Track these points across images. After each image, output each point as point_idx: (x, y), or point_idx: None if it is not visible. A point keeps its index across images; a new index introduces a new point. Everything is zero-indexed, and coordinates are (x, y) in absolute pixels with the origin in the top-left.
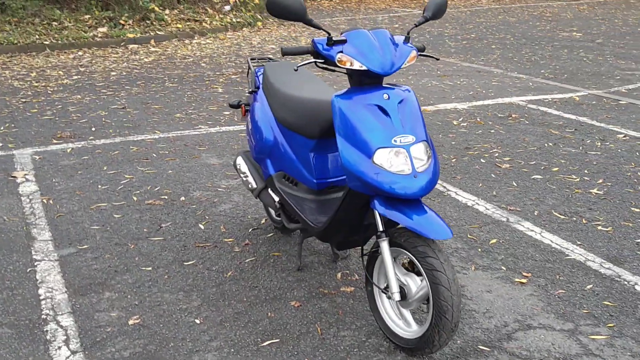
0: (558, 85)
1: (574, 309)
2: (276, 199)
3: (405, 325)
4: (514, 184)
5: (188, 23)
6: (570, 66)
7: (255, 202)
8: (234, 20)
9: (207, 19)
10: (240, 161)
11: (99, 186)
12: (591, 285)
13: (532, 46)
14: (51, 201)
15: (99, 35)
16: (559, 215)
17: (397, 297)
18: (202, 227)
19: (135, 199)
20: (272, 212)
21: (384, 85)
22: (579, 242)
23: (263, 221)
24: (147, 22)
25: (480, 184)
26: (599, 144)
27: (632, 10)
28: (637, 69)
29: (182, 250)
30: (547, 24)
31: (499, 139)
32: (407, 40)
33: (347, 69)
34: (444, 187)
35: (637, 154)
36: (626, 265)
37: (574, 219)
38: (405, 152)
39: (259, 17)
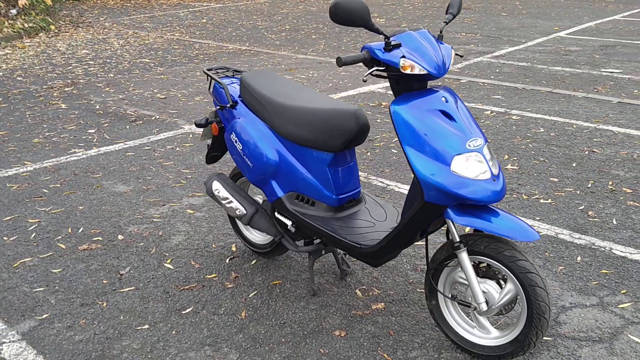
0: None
1: (585, 283)
2: (288, 222)
3: (483, 332)
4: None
5: None
6: None
7: (211, 228)
8: (25, 25)
9: None
10: (218, 186)
11: (5, 238)
12: (580, 257)
13: (349, 34)
14: None
15: None
16: None
17: (484, 307)
18: (169, 266)
19: (63, 246)
20: (255, 235)
21: (429, 87)
22: (538, 218)
23: (233, 248)
24: None
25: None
26: (480, 122)
27: None
28: (457, 49)
29: (168, 297)
30: None
31: (391, 127)
32: (440, 39)
33: (405, 74)
34: (383, 182)
35: (514, 127)
36: (591, 233)
37: (515, 195)
38: (481, 155)
39: (50, 20)
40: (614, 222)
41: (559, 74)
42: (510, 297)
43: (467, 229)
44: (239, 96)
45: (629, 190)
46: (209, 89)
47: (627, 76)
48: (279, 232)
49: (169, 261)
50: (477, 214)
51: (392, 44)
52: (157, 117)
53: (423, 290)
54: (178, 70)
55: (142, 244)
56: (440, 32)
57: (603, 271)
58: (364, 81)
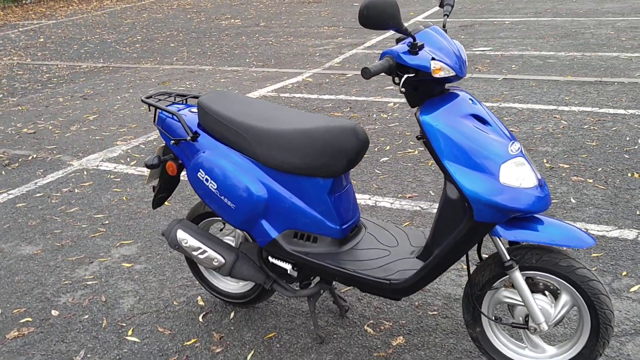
0: (279, 71)
1: None
2: (287, 266)
3: (537, 351)
4: (380, 170)
5: None
6: (266, 51)
7: (162, 282)
8: None
9: None
10: (184, 235)
11: None
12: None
13: (209, 38)
14: None
15: None
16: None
17: (545, 327)
18: (134, 339)
19: None
20: (228, 283)
21: (447, 87)
22: None
23: (200, 301)
24: None
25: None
26: (385, 115)
27: None
28: (322, 44)
29: None
30: (198, 15)
31: None
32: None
33: (434, 79)
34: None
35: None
36: (558, 216)
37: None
38: (524, 159)
39: None
40: (573, 200)
41: None
42: (567, 309)
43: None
44: (198, 125)
45: (566, 166)
46: (154, 120)
47: (498, 53)
48: (268, 278)
49: (130, 333)
50: (525, 225)
51: (418, 45)
52: (35, 156)
53: (435, 313)
54: (35, 98)
55: (86, 316)
56: (444, 26)
57: (594, 255)
58: (402, 92)
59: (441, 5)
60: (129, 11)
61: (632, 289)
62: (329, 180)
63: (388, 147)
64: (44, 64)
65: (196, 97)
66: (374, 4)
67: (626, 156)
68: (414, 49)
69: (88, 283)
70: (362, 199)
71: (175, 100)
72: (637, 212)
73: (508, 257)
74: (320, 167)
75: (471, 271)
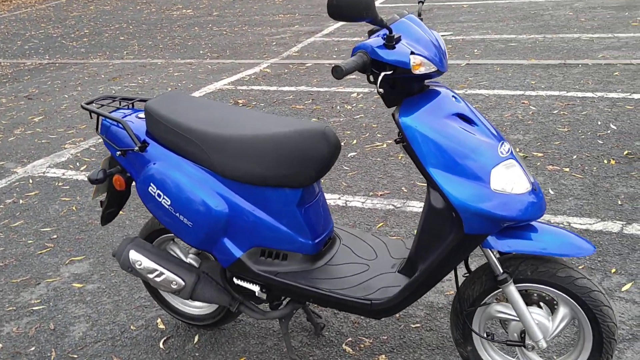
0: (235, 62)
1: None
2: (255, 288)
3: None
4: (348, 167)
5: None
6: (220, 42)
7: (117, 303)
8: None
9: None
10: (138, 257)
11: None
12: None
13: (160, 30)
14: None
15: None
16: (404, 186)
17: (543, 344)
18: None
19: None
20: (190, 306)
21: (426, 83)
22: None
23: (160, 324)
24: None
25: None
26: (349, 107)
27: None
28: (278, 32)
29: None
30: (148, 6)
31: None
32: None
33: (415, 75)
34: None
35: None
36: None
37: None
38: (515, 162)
39: None
40: (551, 192)
41: None
42: (566, 323)
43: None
44: (147, 133)
45: (540, 154)
46: (97, 129)
47: (459, 37)
48: (234, 300)
49: None
50: (518, 234)
51: (394, 37)
52: None
53: (417, 326)
54: None
55: (33, 348)
56: (419, 14)
57: None
58: (381, 93)
59: None
60: (75, 4)
61: (624, 288)
62: (298, 190)
63: (355, 141)
64: None
65: (144, 101)
66: None
67: (600, 142)
68: (391, 43)
69: (35, 308)
70: (331, 199)
71: (120, 105)
72: (619, 202)
73: (501, 270)
74: (286, 177)
75: (459, 284)
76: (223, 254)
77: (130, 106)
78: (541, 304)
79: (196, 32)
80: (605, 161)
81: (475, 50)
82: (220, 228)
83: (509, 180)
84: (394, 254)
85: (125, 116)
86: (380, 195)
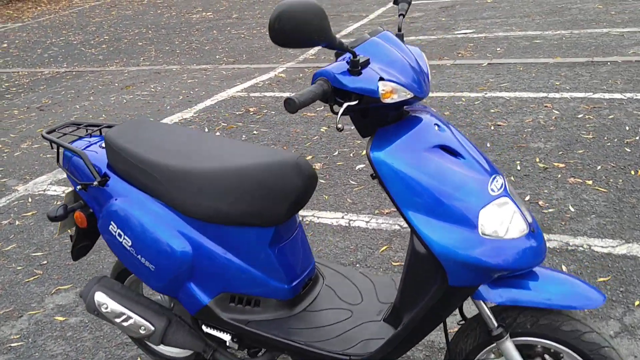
0: (250, 67)
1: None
2: (225, 337)
3: None
4: (355, 181)
5: None
6: (237, 46)
7: (97, 340)
8: None
9: None
10: (104, 299)
11: None
12: (564, 267)
13: (179, 34)
14: None
15: None
16: None
17: None
18: None
19: None
20: (168, 347)
21: (405, 109)
22: None
23: None
24: None
25: (348, 198)
26: None
27: None
28: None
29: None
30: (168, 9)
31: (275, 138)
32: (402, 39)
33: (385, 104)
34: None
35: None
36: (556, 229)
37: None
38: (509, 199)
39: None
40: (572, 208)
41: (415, 44)
42: None
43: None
44: (108, 165)
45: (561, 165)
46: (57, 160)
47: (481, 35)
48: (209, 347)
49: None
50: (516, 283)
51: (360, 61)
52: None
53: None
54: None
55: None
56: (399, 29)
57: (600, 280)
58: (340, 130)
59: (396, 3)
60: (98, 9)
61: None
62: (269, 229)
63: (364, 152)
64: (4, 72)
65: (109, 127)
66: (291, 14)
67: (627, 150)
68: (356, 68)
69: (13, 345)
70: (334, 218)
71: (87, 132)
72: None
73: (496, 324)
74: (255, 215)
75: (451, 337)
76: (189, 300)
77: (99, 133)
78: (546, 356)
79: (214, 35)
80: (632, 172)
81: (498, 49)
82: (184, 272)
83: (501, 222)
84: (381, 297)
85: (89, 146)
86: (387, 213)
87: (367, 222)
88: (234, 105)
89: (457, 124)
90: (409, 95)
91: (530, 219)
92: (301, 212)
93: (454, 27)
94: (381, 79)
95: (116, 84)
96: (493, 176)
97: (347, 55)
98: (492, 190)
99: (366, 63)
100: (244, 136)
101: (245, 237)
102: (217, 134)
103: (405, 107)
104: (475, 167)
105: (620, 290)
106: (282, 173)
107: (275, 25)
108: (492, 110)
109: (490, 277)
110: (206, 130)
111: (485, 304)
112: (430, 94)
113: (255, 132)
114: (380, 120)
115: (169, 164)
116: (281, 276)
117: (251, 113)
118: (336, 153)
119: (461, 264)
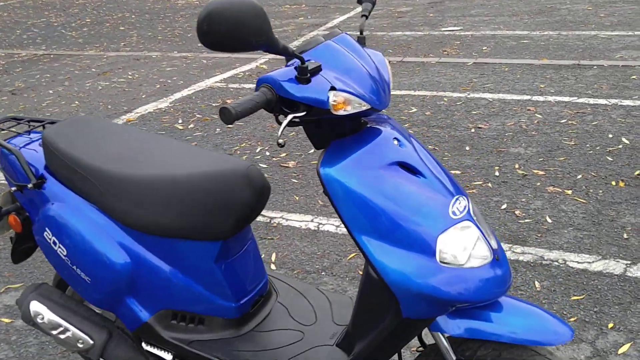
0: (231, 57)
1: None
2: (167, 357)
3: None
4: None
5: None
6: None
7: (43, 347)
8: None
9: None
10: (40, 308)
11: None
12: (537, 283)
13: (163, 20)
14: None
15: None
16: None
17: None
18: None
19: None
20: None
21: (363, 120)
22: None
23: None
24: None
25: (320, 201)
26: None
27: None
28: (281, 24)
29: None
30: None
31: (250, 133)
32: (362, 42)
33: (337, 116)
34: (262, 214)
35: (383, 111)
36: (531, 241)
37: None
38: (472, 224)
39: None
40: (549, 219)
41: (401, 39)
42: None
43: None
44: (46, 167)
45: (541, 172)
46: None
47: (468, 33)
48: None
49: None
50: (477, 314)
51: (309, 68)
52: None
53: None
54: None
55: None
56: (361, 32)
57: (573, 298)
58: (281, 145)
59: (359, 2)
60: None
61: (620, 350)
62: (215, 243)
63: None
64: None
65: (53, 123)
66: (223, 13)
67: (609, 158)
68: (304, 75)
69: None
70: (303, 221)
71: (30, 127)
72: (624, 235)
73: (454, 358)
74: (199, 229)
75: None
76: (128, 316)
77: (42, 129)
78: None
79: (194, 23)
80: (613, 183)
81: (484, 48)
82: (123, 286)
83: (463, 248)
84: (337, 318)
85: (29, 143)
86: None
87: (337, 226)
88: (211, 96)
89: (438, 125)
90: (364, 107)
91: (495, 245)
92: (270, 214)
93: (441, 24)
94: (333, 88)
95: (93, 70)
96: (456, 197)
97: (295, 61)
98: (454, 213)
99: (317, 70)
100: (218, 129)
101: (189, 252)
102: (167, 135)
103: (363, 118)
104: (437, 186)
105: (594, 311)
106: (230, 184)
107: (204, 26)
108: (474, 112)
109: (447, 309)
110: (180, 121)
111: (443, 335)
112: (413, 92)
113: (230, 125)
114: (335, 132)
115: (107, 169)
116: (227, 294)
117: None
118: (312, 151)
119: (416, 295)
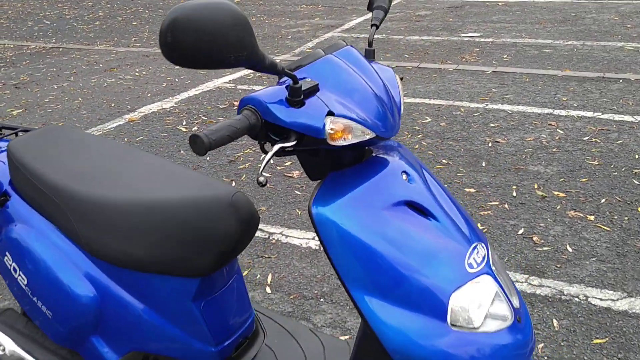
0: None
1: None
2: None
3: None
4: None
5: None
6: None
7: None
8: None
9: None
10: (2, 338)
11: None
12: (555, 321)
13: None
14: None
15: None
16: None
17: None
18: None
19: None
20: None
21: (367, 148)
22: None
23: None
24: None
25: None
26: None
27: None
28: (296, 25)
29: None
30: None
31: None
32: (371, 56)
33: (334, 147)
34: (260, 229)
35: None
36: (549, 273)
37: None
38: (492, 279)
39: None
40: (569, 248)
41: (419, 44)
42: None
43: None
44: (10, 183)
45: (562, 195)
46: None
47: (489, 40)
48: None
49: None
50: None
51: (302, 88)
52: None
53: None
54: None
55: None
56: (370, 43)
57: (595, 341)
58: (262, 185)
59: (370, 9)
60: None
61: None
62: (194, 280)
63: None
64: None
65: (27, 131)
66: (190, 22)
67: (635, 182)
68: (297, 97)
69: None
70: (304, 239)
71: (1, 134)
72: None
73: None
74: (176, 264)
75: None
76: (92, 357)
77: (15, 137)
78: None
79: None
80: None
81: (505, 56)
82: (88, 323)
83: (476, 306)
84: (328, 356)
85: None
86: None
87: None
88: (218, 97)
89: (453, 137)
90: (367, 135)
91: (517, 304)
92: (269, 229)
93: (461, 29)
94: (330, 113)
95: (101, 65)
96: (474, 244)
97: (287, 79)
98: (471, 265)
99: (313, 90)
100: None
101: (164, 288)
102: (168, 135)
103: (367, 146)
104: (451, 232)
105: (618, 357)
106: (213, 212)
107: (168, 37)
108: (492, 125)
109: None
110: (184, 123)
111: None
112: (428, 101)
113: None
114: (333, 162)
115: (74, 189)
116: (207, 336)
117: (235, 107)
118: None
119: None
